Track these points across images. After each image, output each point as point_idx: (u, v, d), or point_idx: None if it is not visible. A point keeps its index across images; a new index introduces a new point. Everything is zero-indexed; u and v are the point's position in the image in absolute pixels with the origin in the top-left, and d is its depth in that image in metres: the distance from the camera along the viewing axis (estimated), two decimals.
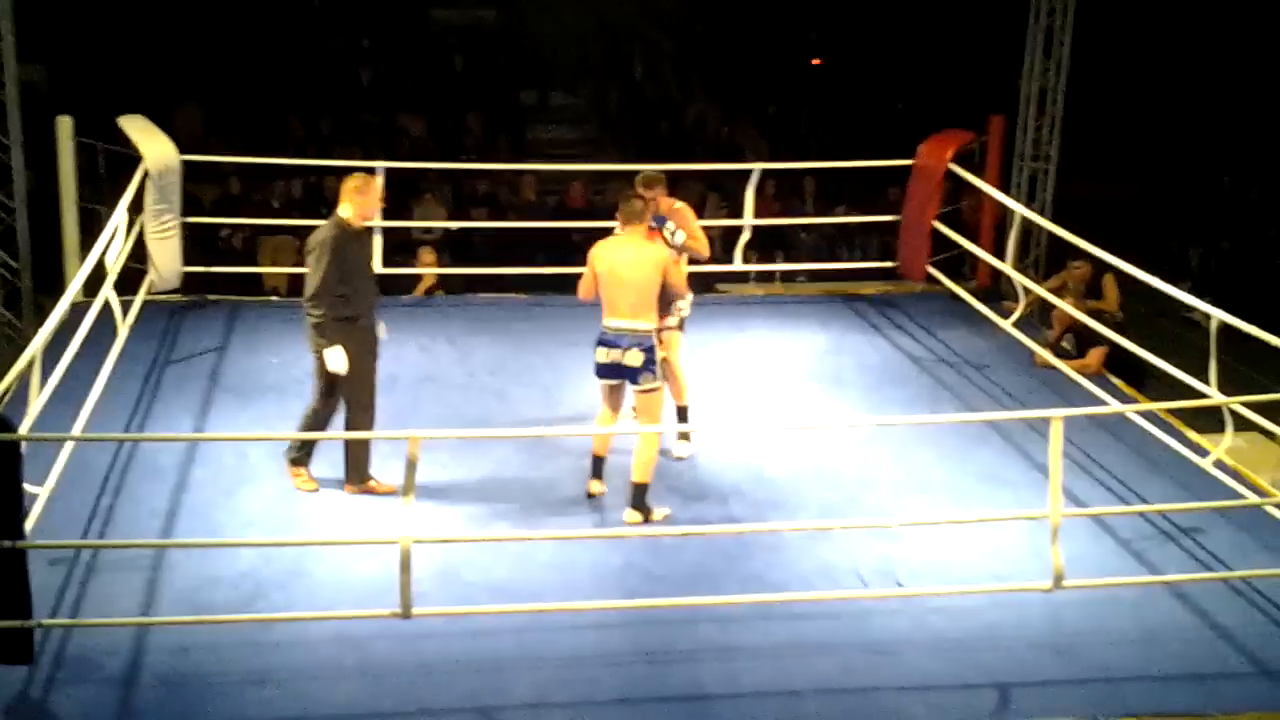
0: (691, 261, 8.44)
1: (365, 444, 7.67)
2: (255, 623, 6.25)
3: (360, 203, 7.55)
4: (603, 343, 7.46)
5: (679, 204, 8.36)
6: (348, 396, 7.64)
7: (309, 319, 7.47)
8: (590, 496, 7.67)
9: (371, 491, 7.68)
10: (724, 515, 7.53)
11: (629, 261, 7.44)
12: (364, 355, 7.59)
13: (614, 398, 7.65)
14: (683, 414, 8.26)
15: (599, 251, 7.59)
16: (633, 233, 7.55)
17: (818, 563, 7.02)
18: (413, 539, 5.95)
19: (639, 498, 7.40)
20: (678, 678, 6.09)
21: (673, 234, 7.97)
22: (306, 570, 6.76)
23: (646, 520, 7.35)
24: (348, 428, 7.69)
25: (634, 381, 7.45)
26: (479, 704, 5.89)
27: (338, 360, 7.40)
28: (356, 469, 7.70)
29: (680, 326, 8.15)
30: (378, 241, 11.00)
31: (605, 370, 7.50)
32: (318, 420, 7.64)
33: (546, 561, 6.91)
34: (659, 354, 7.46)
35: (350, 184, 7.58)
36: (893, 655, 6.29)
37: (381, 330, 7.65)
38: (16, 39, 10.92)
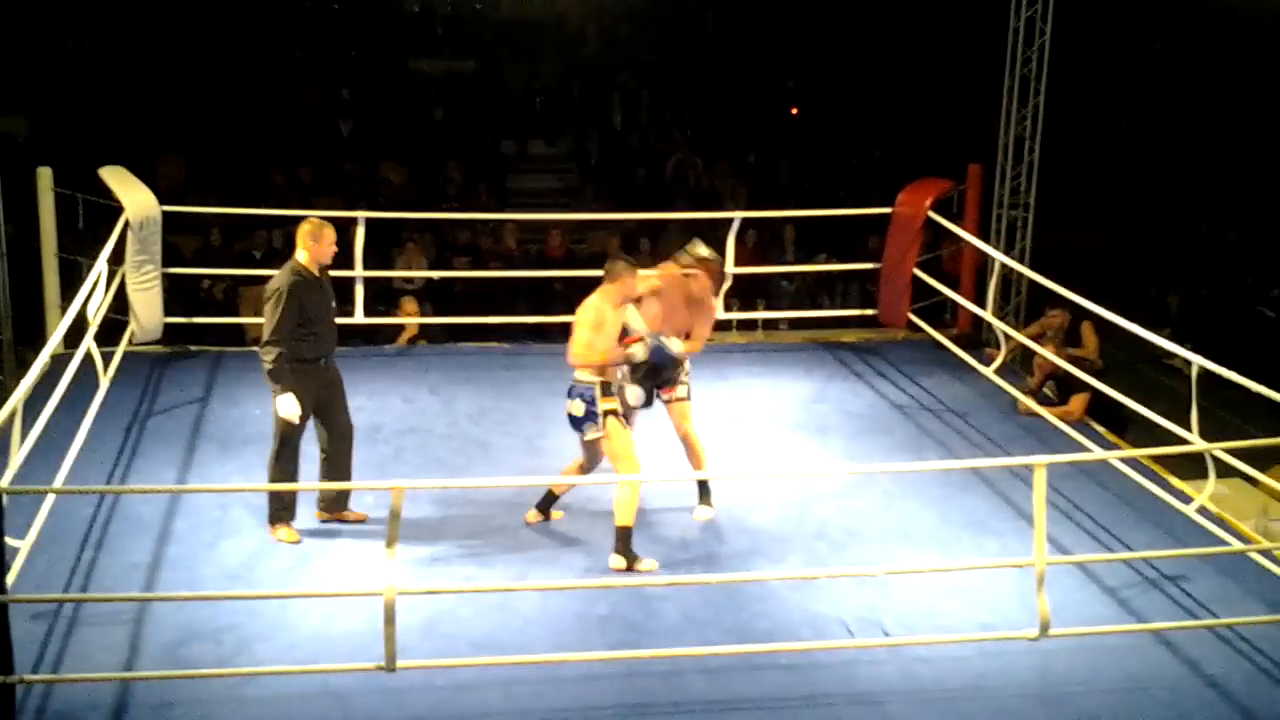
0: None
1: (342, 476, 7.79)
2: (238, 677, 6.20)
3: (314, 248, 7.65)
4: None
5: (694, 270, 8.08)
6: (322, 428, 7.78)
7: (263, 364, 7.53)
8: (526, 523, 7.86)
9: (343, 520, 7.81)
10: (709, 565, 7.51)
11: (579, 314, 7.61)
12: (329, 390, 7.74)
13: (583, 449, 7.79)
14: (704, 484, 8.15)
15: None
16: (602, 291, 7.60)
17: (804, 612, 7.00)
18: (397, 590, 5.92)
19: (622, 542, 7.39)
20: None
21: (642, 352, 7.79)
22: (290, 623, 6.71)
23: (630, 568, 7.33)
24: (324, 456, 7.81)
25: (578, 430, 7.59)
26: None
27: (288, 406, 7.49)
28: (332, 498, 7.81)
29: (688, 396, 8.09)
30: (359, 291, 11.02)
31: (570, 420, 7.66)
32: (284, 468, 7.66)
33: (531, 613, 6.88)
34: (602, 406, 7.50)
35: (304, 229, 7.68)
36: (879, 705, 6.26)
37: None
38: None
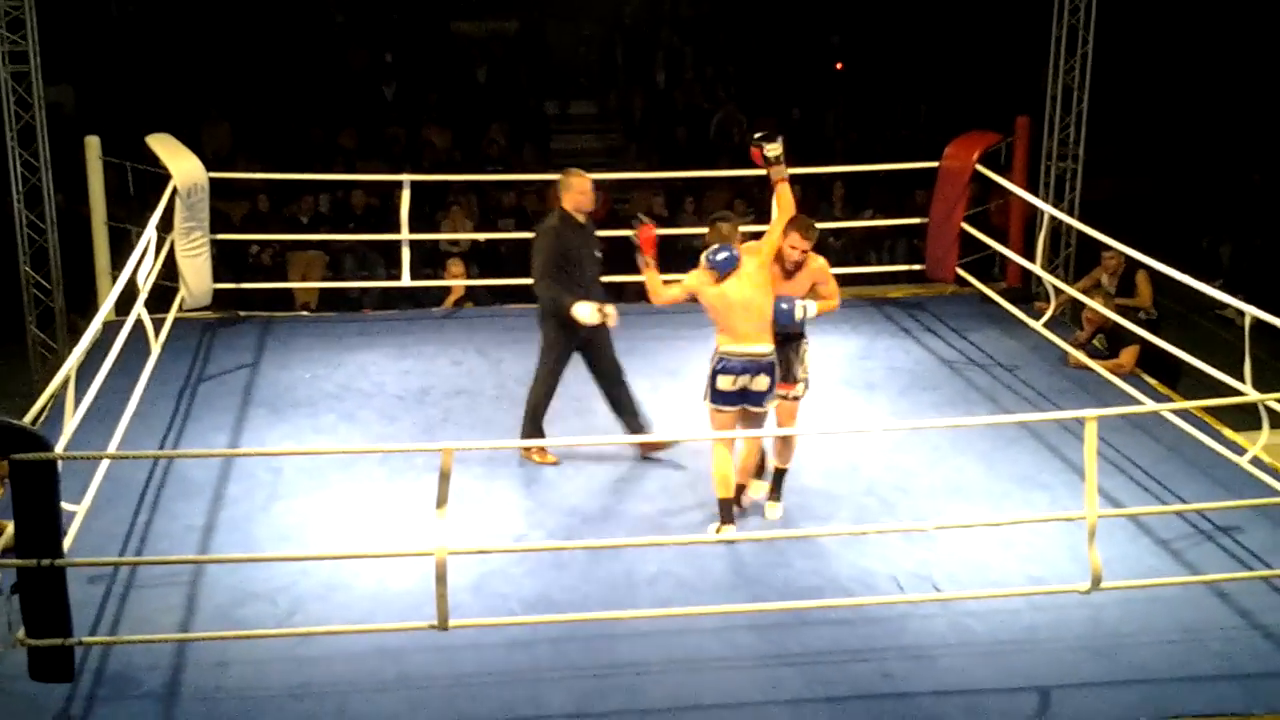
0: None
1: (631, 408, 8.22)
2: (293, 637, 6.27)
3: (565, 197, 8.04)
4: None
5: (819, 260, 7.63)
6: (592, 372, 8.27)
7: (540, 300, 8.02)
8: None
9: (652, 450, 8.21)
10: (758, 522, 7.51)
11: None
12: (594, 332, 8.02)
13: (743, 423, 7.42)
14: (780, 478, 7.77)
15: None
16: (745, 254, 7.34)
17: (854, 568, 6.99)
18: (448, 550, 5.96)
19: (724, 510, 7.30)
20: (715, 686, 6.07)
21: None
22: (343, 583, 6.77)
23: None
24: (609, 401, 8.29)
25: (760, 405, 7.31)
26: (516, 715, 5.90)
27: (585, 311, 7.80)
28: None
29: (801, 396, 7.71)
30: (405, 254, 11.06)
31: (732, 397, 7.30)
32: (543, 394, 8.14)
33: (581, 571, 6.92)
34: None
35: (562, 179, 8.14)
36: (931, 660, 6.26)
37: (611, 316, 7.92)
38: (42, 60, 11.01)
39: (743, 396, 7.25)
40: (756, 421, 7.43)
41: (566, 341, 8.08)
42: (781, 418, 7.62)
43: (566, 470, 8.08)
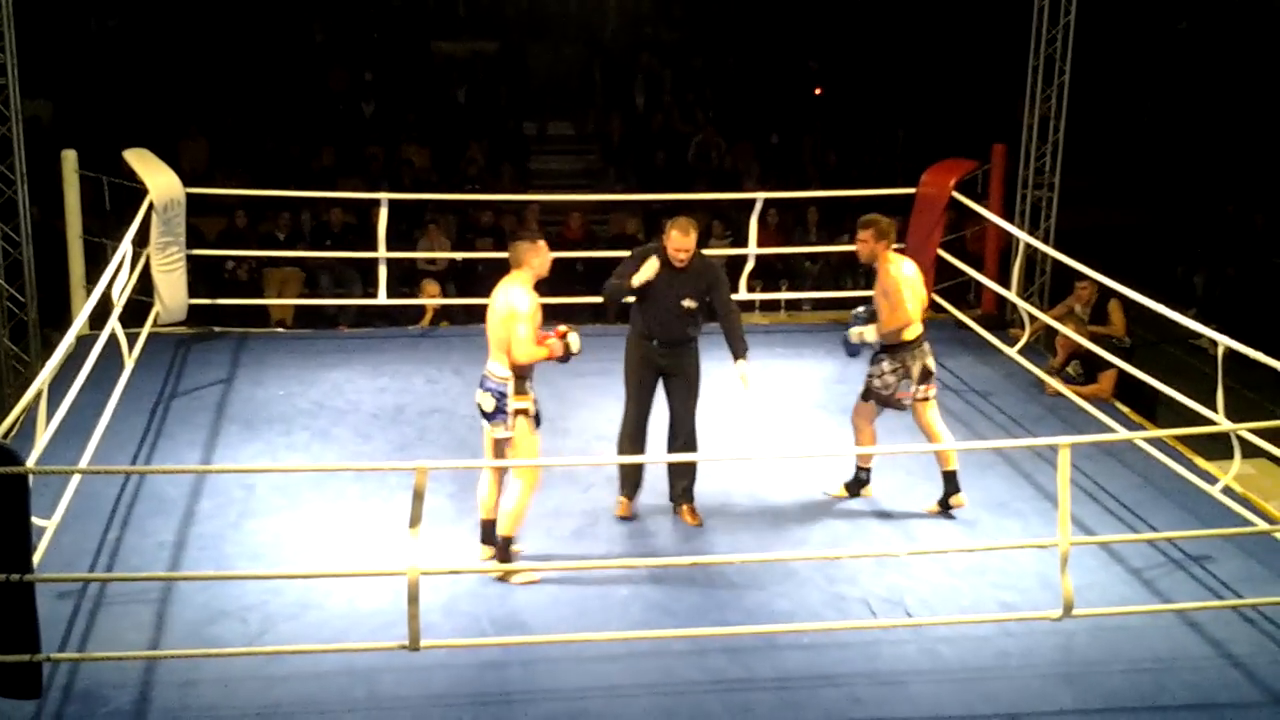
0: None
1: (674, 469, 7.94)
2: (263, 656, 6.23)
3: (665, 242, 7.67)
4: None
5: (896, 260, 7.84)
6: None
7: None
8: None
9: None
10: (731, 545, 7.51)
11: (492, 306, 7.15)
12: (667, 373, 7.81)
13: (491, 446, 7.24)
14: (951, 480, 7.94)
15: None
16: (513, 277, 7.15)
17: (826, 593, 7.00)
18: (420, 570, 5.94)
19: (502, 550, 7.09)
20: (686, 710, 6.06)
21: (859, 335, 7.85)
22: (315, 602, 6.74)
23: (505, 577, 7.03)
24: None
25: (489, 422, 7.10)
26: None
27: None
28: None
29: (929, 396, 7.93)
30: (382, 272, 11.04)
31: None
32: (627, 436, 7.87)
33: (554, 593, 6.90)
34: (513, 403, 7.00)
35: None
36: (902, 685, 6.26)
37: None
38: (20, 74, 10.97)
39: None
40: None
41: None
42: (918, 415, 7.97)
43: (539, 491, 8.05)
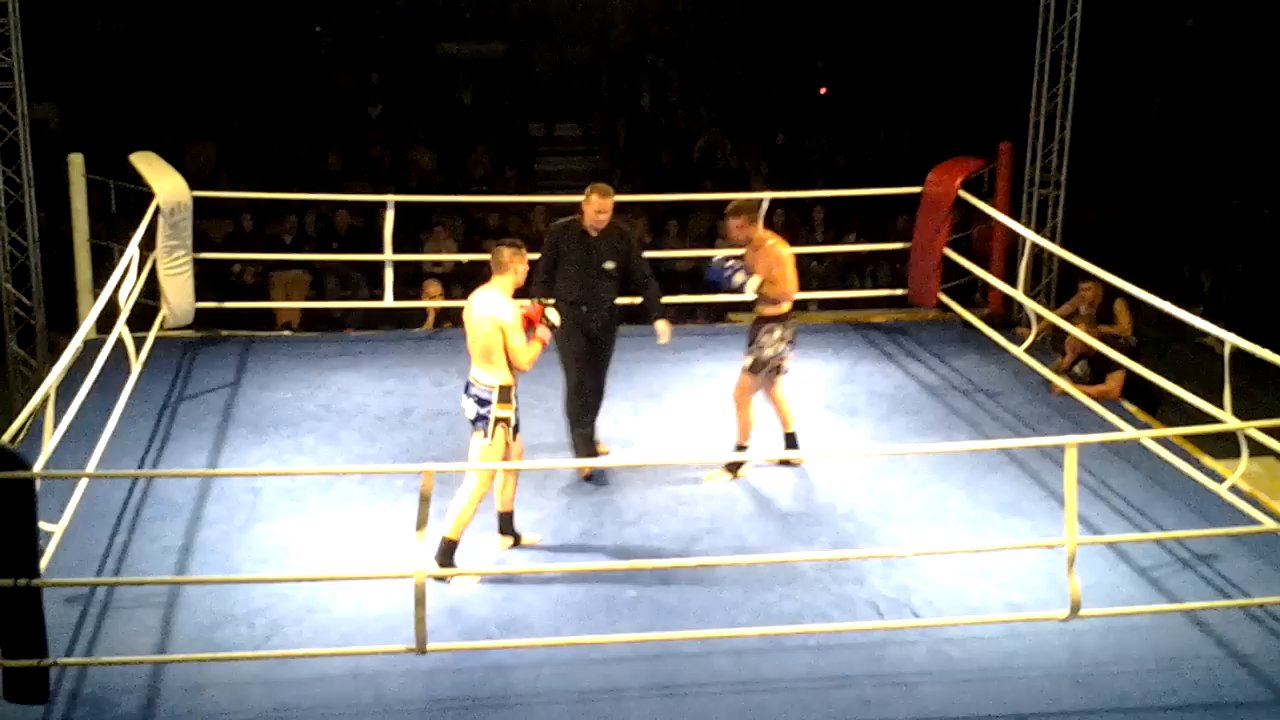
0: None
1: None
2: (270, 660, 6.24)
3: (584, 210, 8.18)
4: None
5: (774, 237, 8.37)
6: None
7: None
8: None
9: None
10: (738, 546, 7.51)
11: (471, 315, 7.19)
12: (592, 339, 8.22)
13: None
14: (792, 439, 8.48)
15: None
16: (494, 283, 7.19)
17: (833, 594, 6.99)
18: (427, 573, 5.94)
19: (444, 554, 7.03)
20: (693, 712, 6.06)
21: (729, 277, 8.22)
22: (321, 606, 6.75)
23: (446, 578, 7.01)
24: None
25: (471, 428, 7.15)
26: None
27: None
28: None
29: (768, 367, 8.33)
30: (389, 275, 11.05)
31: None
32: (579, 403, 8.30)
33: (560, 595, 6.90)
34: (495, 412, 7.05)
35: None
36: (909, 686, 6.25)
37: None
38: (27, 77, 10.99)
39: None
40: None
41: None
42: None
43: (546, 493, 8.07)
